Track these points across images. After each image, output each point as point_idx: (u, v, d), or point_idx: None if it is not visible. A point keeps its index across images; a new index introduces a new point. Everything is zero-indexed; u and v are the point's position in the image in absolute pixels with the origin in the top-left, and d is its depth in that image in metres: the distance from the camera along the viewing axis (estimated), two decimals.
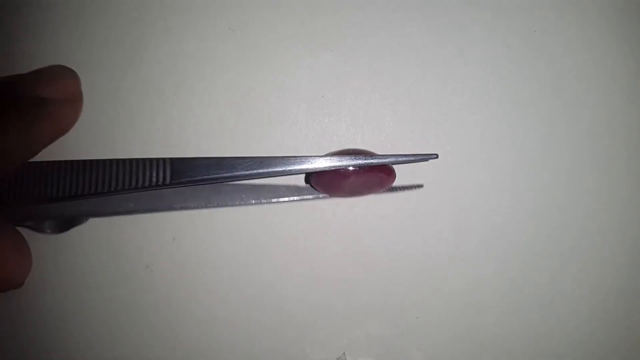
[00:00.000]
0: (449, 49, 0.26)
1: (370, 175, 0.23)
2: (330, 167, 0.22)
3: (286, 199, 0.24)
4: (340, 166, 0.22)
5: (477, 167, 0.26)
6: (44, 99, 0.21)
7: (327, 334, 0.26)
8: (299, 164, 0.22)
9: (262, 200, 0.24)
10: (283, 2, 0.25)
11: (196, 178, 0.21)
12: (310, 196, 0.25)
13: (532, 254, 0.26)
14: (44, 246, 0.24)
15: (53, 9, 0.25)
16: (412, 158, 0.22)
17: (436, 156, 0.22)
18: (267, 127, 0.25)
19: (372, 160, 0.22)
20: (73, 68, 0.24)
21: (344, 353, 0.26)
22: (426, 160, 0.22)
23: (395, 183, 0.24)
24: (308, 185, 0.25)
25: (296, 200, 0.25)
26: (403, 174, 0.25)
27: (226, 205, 0.24)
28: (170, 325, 0.25)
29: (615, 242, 0.27)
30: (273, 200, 0.24)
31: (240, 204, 0.24)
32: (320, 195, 0.24)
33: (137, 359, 0.25)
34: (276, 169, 0.21)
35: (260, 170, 0.21)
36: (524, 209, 0.26)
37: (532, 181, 0.26)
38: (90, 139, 0.24)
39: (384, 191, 0.25)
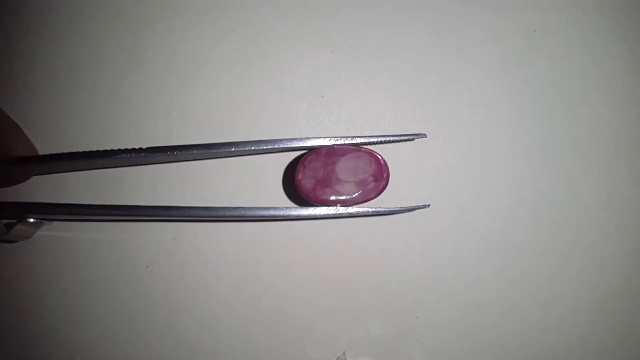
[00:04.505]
0: (449, 49, 0.26)
1: (360, 157, 0.23)
2: (317, 145, 0.22)
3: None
4: (326, 145, 0.22)
5: (477, 167, 0.26)
6: None
7: (327, 334, 0.26)
8: (288, 143, 0.22)
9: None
10: (283, 3, 0.25)
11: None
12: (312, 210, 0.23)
13: (532, 254, 0.26)
14: (46, 244, 0.24)
15: (55, 10, 0.25)
16: (397, 138, 0.23)
17: (424, 135, 0.22)
18: (268, 127, 0.25)
19: (357, 140, 0.22)
20: (76, 69, 0.25)
21: (343, 352, 0.26)
22: (412, 139, 0.23)
23: (401, 203, 0.23)
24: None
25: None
26: (403, 175, 0.25)
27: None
28: (171, 325, 0.25)
29: (614, 242, 0.27)
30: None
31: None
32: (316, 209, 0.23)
33: (137, 357, 0.25)
34: (264, 147, 0.22)
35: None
36: (524, 209, 0.26)
37: (532, 181, 0.26)
38: (92, 138, 0.25)
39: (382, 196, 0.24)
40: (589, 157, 0.27)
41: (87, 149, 0.24)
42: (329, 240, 0.25)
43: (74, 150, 0.24)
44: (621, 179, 0.27)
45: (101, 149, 0.24)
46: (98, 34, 0.25)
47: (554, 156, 0.26)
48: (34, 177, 0.24)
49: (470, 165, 0.26)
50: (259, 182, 0.25)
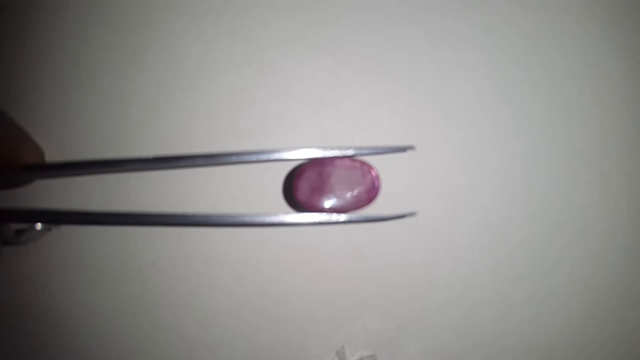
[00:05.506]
0: (445, 52, 0.26)
1: (353, 168, 0.23)
2: (309, 158, 0.23)
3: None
4: (318, 157, 0.23)
5: (473, 167, 0.26)
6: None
7: (326, 328, 0.26)
8: (279, 153, 0.23)
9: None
10: (285, 8, 0.26)
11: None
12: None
13: (526, 252, 0.27)
14: (51, 241, 0.25)
15: (60, 13, 0.25)
16: (387, 149, 0.23)
17: (413, 148, 0.23)
18: (269, 129, 0.26)
19: (348, 152, 0.23)
20: (79, 71, 0.25)
21: (342, 346, 0.26)
22: (403, 151, 0.23)
23: (394, 208, 0.24)
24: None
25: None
26: (396, 182, 0.25)
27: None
28: (175, 320, 0.26)
29: (606, 240, 0.27)
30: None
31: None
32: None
33: (142, 353, 0.25)
34: (257, 158, 0.23)
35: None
36: (518, 208, 0.27)
37: (526, 181, 0.27)
38: (94, 140, 0.25)
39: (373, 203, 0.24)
40: (581, 157, 0.27)
41: (92, 151, 0.25)
42: (328, 236, 0.26)
43: (80, 152, 0.24)
44: (613, 178, 0.27)
45: (106, 151, 0.25)
46: (103, 37, 0.25)
47: (548, 157, 0.27)
48: (37, 180, 0.24)
49: (465, 164, 0.26)
50: (261, 189, 0.26)
